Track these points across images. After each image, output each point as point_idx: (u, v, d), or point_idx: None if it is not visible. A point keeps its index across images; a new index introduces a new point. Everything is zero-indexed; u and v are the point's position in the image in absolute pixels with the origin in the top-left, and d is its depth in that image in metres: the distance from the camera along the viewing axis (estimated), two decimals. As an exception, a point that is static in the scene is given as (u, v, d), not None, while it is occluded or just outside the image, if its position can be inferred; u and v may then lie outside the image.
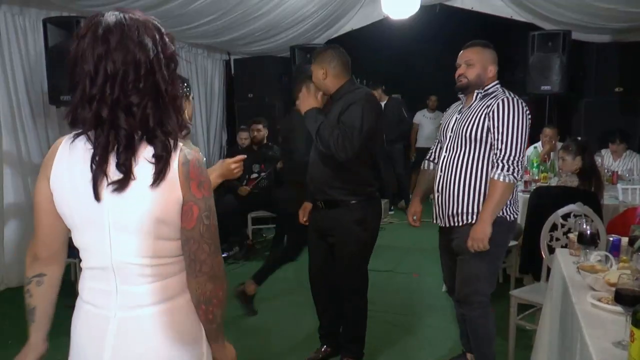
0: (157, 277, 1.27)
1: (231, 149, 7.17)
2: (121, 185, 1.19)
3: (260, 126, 5.84)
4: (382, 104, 7.42)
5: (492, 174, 2.62)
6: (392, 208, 7.58)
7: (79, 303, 1.36)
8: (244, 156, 2.23)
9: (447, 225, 2.82)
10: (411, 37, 7.43)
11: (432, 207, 2.93)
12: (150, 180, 1.19)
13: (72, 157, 1.25)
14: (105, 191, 1.21)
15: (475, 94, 2.76)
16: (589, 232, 2.39)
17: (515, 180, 2.63)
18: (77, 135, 1.25)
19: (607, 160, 5.44)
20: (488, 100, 2.69)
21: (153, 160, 1.20)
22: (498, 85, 2.76)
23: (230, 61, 7.89)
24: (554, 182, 4.61)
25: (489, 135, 2.64)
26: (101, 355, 1.28)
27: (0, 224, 4.58)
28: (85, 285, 1.34)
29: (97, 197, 1.21)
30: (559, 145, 5.07)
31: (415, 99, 8.19)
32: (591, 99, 6.41)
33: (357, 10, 7.40)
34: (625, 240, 2.53)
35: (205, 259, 1.26)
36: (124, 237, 1.24)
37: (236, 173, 2.19)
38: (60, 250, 1.40)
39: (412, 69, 8.14)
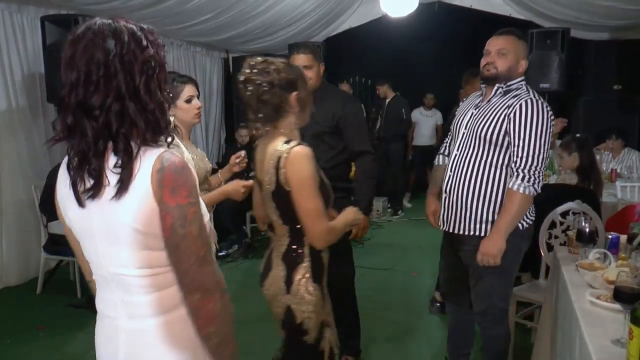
0: (154, 288, 1.26)
1: (230, 147, 7.17)
2: (94, 192, 1.18)
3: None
4: (387, 100, 7.42)
5: (511, 184, 2.36)
6: (396, 208, 7.55)
7: (97, 316, 1.38)
8: (251, 182, 2.32)
9: (455, 231, 2.56)
10: (410, 35, 7.43)
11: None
12: (114, 192, 1.16)
13: (63, 171, 1.27)
14: (88, 200, 1.20)
15: (495, 87, 2.48)
16: (587, 229, 2.39)
17: (536, 192, 2.36)
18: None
19: (606, 158, 5.43)
20: (510, 99, 2.42)
21: (115, 170, 1.17)
22: (523, 83, 2.50)
23: (229, 59, 7.88)
24: (553, 180, 4.61)
25: (507, 138, 2.38)
26: (117, 359, 1.31)
27: (-2, 222, 4.57)
28: (98, 295, 1.36)
29: (80, 203, 1.21)
30: (558, 143, 5.07)
31: (414, 96, 8.18)
32: (590, 97, 6.41)
33: (355, 8, 7.40)
34: (624, 238, 2.53)
35: (185, 269, 1.21)
36: (111, 248, 1.23)
37: (242, 195, 2.40)
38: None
39: (410, 67, 8.14)
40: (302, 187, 1.85)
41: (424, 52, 7.89)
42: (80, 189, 1.20)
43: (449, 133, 2.81)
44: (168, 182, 1.16)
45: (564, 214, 3.20)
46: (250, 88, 1.91)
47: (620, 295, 1.67)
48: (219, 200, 2.44)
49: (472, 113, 2.53)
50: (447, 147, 2.84)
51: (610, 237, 2.51)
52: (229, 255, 5.46)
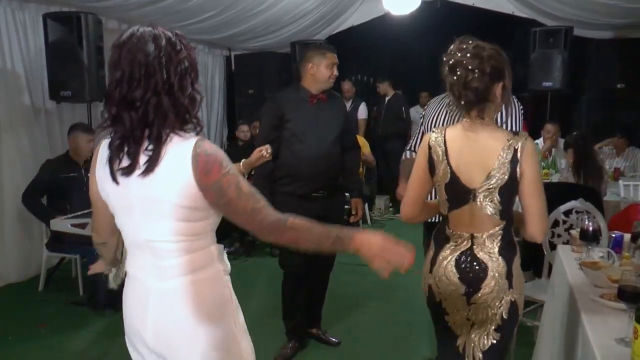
0: (184, 252, 1.44)
1: (231, 145, 7.16)
2: (129, 170, 1.39)
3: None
4: (386, 98, 7.41)
5: None
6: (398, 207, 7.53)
7: (127, 279, 1.57)
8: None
9: (433, 220, 2.66)
10: (412, 33, 7.41)
11: None
12: (142, 169, 1.37)
13: (104, 150, 1.47)
14: (123, 177, 1.40)
15: None
16: (591, 228, 2.38)
17: None
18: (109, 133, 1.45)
19: (609, 156, 5.43)
20: None
21: (147, 152, 1.37)
22: None
23: (231, 57, 7.88)
24: (555, 178, 4.61)
25: None
26: (145, 320, 1.47)
27: (1, 219, 4.56)
28: (130, 261, 1.54)
29: (115, 179, 1.41)
30: (561, 141, 5.06)
31: (415, 95, 8.18)
32: (593, 96, 6.40)
33: (357, 6, 7.39)
34: (627, 236, 2.52)
35: (245, 223, 1.45)
36: (148, 219, 1.42)
37: (260, 158, 2.46)
38: (113, 230, 1.60)
39: (412, 65, 8.12)
40: (538, 180, 1.81)
41: (427, 50, 7.86)
42: (116, 167, 1.40)
43: (417, 131, 2.92)
44: (203, 166, 1.36)
45: (567, 213, 3.19)
46: (458, 72, 1.81)
47: (624, 294, 1.66)
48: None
49: (447, 112, 2.65)
50: (414, 145, 2.92)
51: (613, 235, 2.51)
52: (231, 254, 5.47)
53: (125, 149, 1.39)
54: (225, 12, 5.95)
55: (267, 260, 5.40)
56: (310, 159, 3.09)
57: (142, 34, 1.39)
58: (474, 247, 1.88)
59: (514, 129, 2.47)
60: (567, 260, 2.49)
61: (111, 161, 1.41)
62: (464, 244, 1.90)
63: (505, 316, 1.86)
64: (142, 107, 1.36)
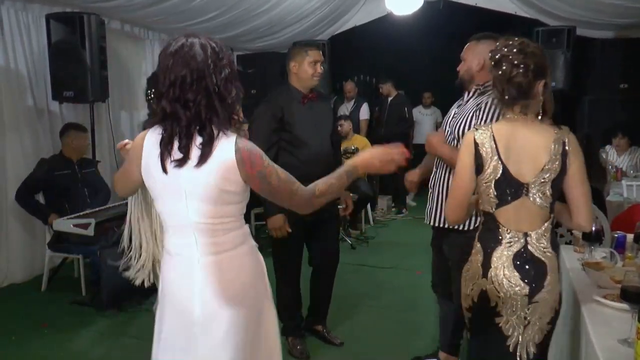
0: (225, 231, 1.68)
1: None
2: (180, 163, 1.60)
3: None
4: (389, 99, 7.40)
5: None
6: (401, 207, 7.52)
7: (166, 257, 1.76)
8: None
9: (438, 224, 2.75)
10: (415, 33, 7.41)
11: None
12: (196, 162, 1.58)
13: (152, 141, 1.66)
14: (177, 168, 1.60)
15: (473, 89, 2.70)
16: (593, 228, 2.37)
17: None
18: (155, 127, 1.66)
19: (611, 156, 5.41)
20: (481, 98, 2.63)
21: (200, 147, 1.58)
22: None
23: (233, 57, 7.87)
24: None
25: None
26: (192, 291, 1.67)
27: (4, 219, 4.58)
28: (171, 241, 1.74)
29: (165, 170, 1.62)
30: None
31: (418, 95, 8.17)
32: (595, 96, 6.37)
33: (360, 6, 7.38)
34: (630, 237, 2.51)
35: (284, 202, 1.75)
36: (197, 202, 1.63)
37: None
38: (130, 193, 1.90)
39: (415, 65, 8.12)
40: (584, 169, 1.88)
41: (430, 50, 7.87)
42: (166, 158, 1.61)
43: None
44: (247, 159, 1.61)
45: (570, 213, 3.18)
46: (503, 67, 1.85)
47: (627, 294, 1.66)
48: None
49: (455, 112, 2.77)
50: None
51: (616, 236, 2.50)
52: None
53: (177, 143, 1.60)
54: (228, 13, 5.95)
55: (269, 261, 5.39)
56: (311, 160, 3.08)
57: (192, 44, 1.60)
58: (528, 245, 1.88)
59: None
60: (569, 261, 2.49)
61: (162, 154, 1.61)
62: (518, 243, 1.89)
63: (557, 308, 1.91)
64: (194, 107, 1.58)
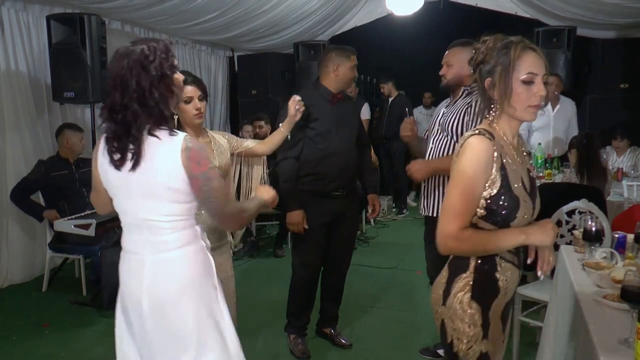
0: (175, 230, 1.74)
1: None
2: (119, 164, 1.68)
3: (262, 122, 5.83)
4: (390, 99, 7.40)
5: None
6: (401, 207, 7.52)
7: (122, 254, 1.83)
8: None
9: (432, 214, 2.90)
10: (415, 34, 7.40)
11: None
12: (134, 162, 1.66)
13: (102, 143, 1.75)
14: (114, 167, 1.69)
15: (462, 90, 2.89)
16: (594, 228, 2.37)
17: None
18: None
19: (611, 157, 5.40)
20: (471, 97, 2.81)
21: (131, 149, 1.66)
22: None
23: (234, 58, 7.88)
24: (558, 179, 4.60)
25: (468, 129, 2.67)
26: (141, 287, 1.75)
27: (5, 220, 4.59)
28: (126, 238, 1.82)
29: (116, 167, 1.69)
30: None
31: (419, 95, 8.17)
32: (596, 95, 6.36)
33: (361, 7, 7.39)
34: (630, 237, 2.51)
35: (218, 211, 1.77)
36: (146, 200, 1.71)
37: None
38: (109, 208, 1.91)
39: (415, 65, 8.10)
40: (455, 175, 1.63)
41: (430, 51, 7.84)
42: (111, 160, 1.70)
43: (426, 130, 3.29)
44: (194, 157, 1.67)
45: (570, 213, 3.19)
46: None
47: (627, 294, 1.66)
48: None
49: (443, 112, 2.98)
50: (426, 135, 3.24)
51: (617, 236, 2.50)
52: (234, 254, 5.46)
53: (115, 144, 1.68)
54: (228, 13, 5.95)
55: (270, 261, 5.41)
56: (335, 158, 3.16)
57: (123, 50, 1.68)
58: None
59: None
60: (570, 261, 2.49)
61: (108, 154, 1.70)
62: None
63: (439, 332, 1.76)
64: (122, 111, 1.65)
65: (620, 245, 2.44)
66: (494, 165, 1.59)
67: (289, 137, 2.86)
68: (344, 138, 3.22)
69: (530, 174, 1.73)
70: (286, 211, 3.20)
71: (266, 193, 2.04)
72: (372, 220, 6.77)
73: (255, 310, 4.03)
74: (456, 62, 2.87)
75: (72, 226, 3.97)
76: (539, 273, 1.71)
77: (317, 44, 7.01)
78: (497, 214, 1.60)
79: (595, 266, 2.23)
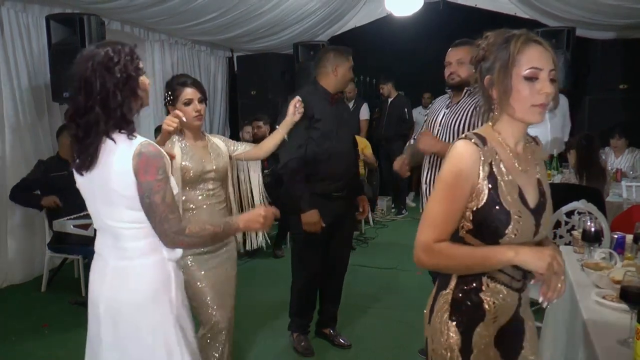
0: (136, 238, 1.71)
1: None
2: (77, 168, 1.69)
3: (261, 123, 5.83)
4: (389, 100, 7.40)
5: None
6: (400, 207, 7.51)
7: (95, 254, 1.82)
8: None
9: None
10: (414, 34, 7.41)
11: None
12: (89, 166, 1.65)
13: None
14: (75, 171, 1.70)
15: (465, 90, 2.82)
16: (593, 229, 2.38)
17: None
18: None
19: (610, 157, 5.41)
20: (476, 97, 2.64)
21: (90, 152, 1.64)
22: None
23: (233, 58, 7.89)
24: (557, 179, 4.60)
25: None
26: (101, 291, 1.75)
27: (4, 220, 4.58)
28: (97, 239, 1.81)
29: (79, 172, 1.69)
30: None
31: (419, 96, 8.17)
32: (595, 96, 6.37)
33: (360, 7, 7.39)
34: (629, 237, 2.52)
35: (153, 225, 1.67)
36: (106, 206, 1.70)
37: (169, 126, 2.37)
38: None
39: (415, 66, 8.11)
40: (437, 182, 1.51)
41: (429, 51, 7.85)
42: (74, 164, 1.71)
43: (419, 130, 3.18)
44: (143, 164, 1.62)
45: (569, 214, 3.19)
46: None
47: (626, 295, 1.66)
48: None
49: (445, 112, 2.89)
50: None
51: (616, 236, 2.50)
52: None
53: (77, 148, 1.67)
54: (228, 14, 5.96)
55: (269, 262, 5.41)
56: (337, 159, 3.17)
57: (87, 52, 1.66)
58: None
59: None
60: (569, 261, 2.49)
61: (72, 158, 1.71)
62: None
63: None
64: (86, 114, 1.63)
65: (619, 246, 2.45)
66: (480, 173, 1.41)
67: (286, 138, 2.86)
68: (344, 139, 3.24)
69: (542, 186, 1.53)
70: (292, 213, 3.18)
71: (253, 220, 1.88)
72: (371, 221, 6.77)
73: (256, 310, 4.03)
74: (469, 60, 2.79)
75: (72, 226, 3.97)
76: (540, 299, 1.49)
77: (317, 44, 7.01)
78: (484, 228, 1.43)
79: (594, 267, 2.24)
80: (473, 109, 2.71)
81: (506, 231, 1.42)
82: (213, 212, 2.53)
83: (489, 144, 1.45)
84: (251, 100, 7.32)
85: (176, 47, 6.73)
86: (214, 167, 2.55)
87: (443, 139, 2.82)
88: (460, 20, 6.88)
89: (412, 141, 3.17)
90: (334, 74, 3.18)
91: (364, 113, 7.50)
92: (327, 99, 3.19)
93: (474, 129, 2.60)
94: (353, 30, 7.56)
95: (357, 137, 6.68)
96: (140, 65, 1.72)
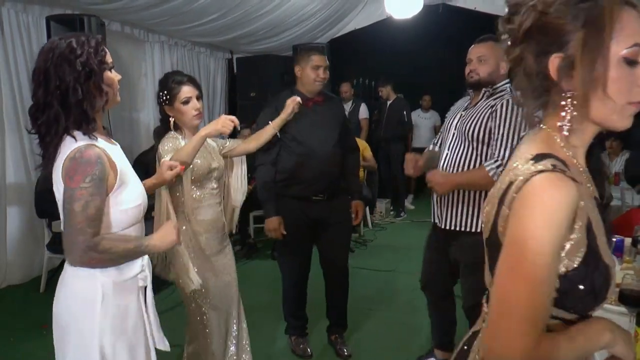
0: None
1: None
2: (44, 167, 1.61)
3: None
4: (388, 102, 7.42)
5: (487, 163, 2.47)
6: (399, 210, 7.52)
7: None
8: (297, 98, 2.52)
9: (445, 227, 2.71)
10: (414, 37, 7.43)
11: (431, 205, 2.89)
12: (42, 167, 1.61)
13: None
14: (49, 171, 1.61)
15: (483, 92, 2.64)
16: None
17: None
18: None
19: (605, 161, 5.42)
20: (494, 100, 2.58)
21: (49, 150, 1.57)
22: (508, 85, 2.60)
23: (233, 60, 7.89)
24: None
25: (492, 136, 2.52)
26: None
27: (2, 221, 4.58)
28: None
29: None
30: None
31: (418, 98, 8.19)
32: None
33: (360, 10, 7.40)
34: (628, 240, 2.53)
35: (66, 236, 1.54)
36: (61, 210, 1.58)
37: (226, 128, 2.35)
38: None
39: (414, 69, 8.13)
40: (508, 256, 0.96)
41: (429, 54, 7.88)
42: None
43: (440, 132, 2.99)
44: (69, 169, 1.51)
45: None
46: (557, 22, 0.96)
47: (625, 297, 1.67)
48: (202, 139, 2.29)
49: (461, 115, 2.70)
50: (439, 141, 2.98)
51: (614, 240, 2.51)
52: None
53: (41, 146, 1.59)
54: (228, 15, 5.96)
55: (267, 263, 5.41)
56: (310, 162, 3.08)
57: (47, 45, 1.56)
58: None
59: (498, 135, 2.48)
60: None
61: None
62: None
63: None
64: (45, 111, 1.54)
65: (618, 249, 2.46)
66: (578, 222, 0.93)
67: (278, 134, 2.88)
68: (321, 141, 3.11)
69: (602, 214, 1.03)
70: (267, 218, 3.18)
71: (168, 234, 1.75)
72: (370, 223, 6.78)
73: (254, 311, 4.02)
74: (492, 58, 2.56)
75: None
76: None
77: (320, 47, 7.02)
78: (577, 296, 0.96)
79: (593, 269, 2.24)
80: (489, 114, 2.53)
81: (607, 295, 1.00)
82: (215, 212, 2.53)
83: (570, 170, 0.96)
84: (250, 102, 7.32)
85: (176, 48, 6.73)
86: (217, 165, 2.55)
87: (458, 146, 2.65)
88: (460, 24, 6.89)
89: (431, 147, 3.02)
90: (299, 75, 3.14)
91: (363, 112, 7.51)
92: (302, 101, 3.07)
93: (489, 136, 2.50)
94: (353, 33, 7.57)
95: (357, 139, 6.73)
96: (108, 59, 1.63)
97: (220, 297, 2.55)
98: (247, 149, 2.78)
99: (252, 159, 3.00)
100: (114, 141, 1.75)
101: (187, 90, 2.40)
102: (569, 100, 0.96)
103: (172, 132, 2.43)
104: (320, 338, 3.55)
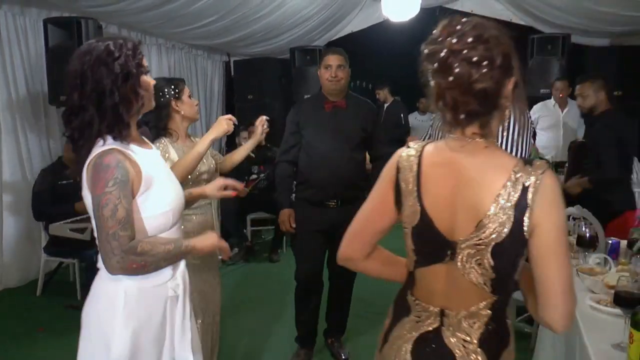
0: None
1: (230, 150, 7.16)
2: (76, 173, 1.58)
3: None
4: (385, 105, 7.43)
5: None
6: None
7: None
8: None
9: None
10: (411, 40, 7.40)
11: None
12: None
13: None
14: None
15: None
16: (588, 235, 2.39)
17: None
18: None
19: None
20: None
21: (82, 154, 1.55)
22: None
23: (230, 62, 7.90)
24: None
25: None
26: None
27: (-1, 223, 4.57)
28: None
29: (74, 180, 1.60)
30: (571, 103, 5.11)
31: (414, 101, 8.20)
32: (590, 103, 6.39)
33: (357, 12, 7.42)
34: (624, 243, 2.54)
35: (100, 237, 1.49)
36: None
37: (229, 126, 2.41)
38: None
39: (411, 72, 8.13)
40: (560, 238, 1.16)
41: (426, 57, 7.90)
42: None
43: (427, 134, 3.00)
44: (93, 177, 1.49)
45: (564, 219, 3.20)
46: (456, 69, 1.18)
47: (620, 299, 1.67)
48: (209, 143, 2.36)
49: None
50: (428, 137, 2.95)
51: (610, 242, 2.52)
52: (229, 259, 5.45)
53: (74, 150, 1.58)
54: (225, 18, 5.97)
55: (265, 266, 5.40)
56: (324, 167, 3.03)
57: (84, 47, 1.56)
58: (443, 327, 1.27)
59: (520, 151, 2.39)
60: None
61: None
62: (430, 321, 1.30)
63: None
64: (80, 114, 1.52)
65: (613, 251, 2.47)
66: None
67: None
68: (335, 147, 3.03)
69: None
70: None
71: (204, 242, 1.70)
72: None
73: (254, 312, 4.03)
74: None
75: (68, 230, 3.96)
76: None
77: (314, 49, 7.03)
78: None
79: (589, 272, 2.25)
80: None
81: None
82: (207, 218, 2.56)
83: None
84: (248, 105, 7.33)
85: (173, 51, 6.74)
86: (207, 169, 2.57)
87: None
88: (457, 27, 6.92)
89: None
90: (320, 78, 3.13)
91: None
92: (322, 105, 3.10)
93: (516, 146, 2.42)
94: (350, 36, 7.59)
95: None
96: (144, 62, 1.59)
97: (207, 302, 2.57)
98: (224, 169, 2.80)
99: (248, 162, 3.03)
100: (152, 145, 1.74)
101: (186, 88, 2.62)
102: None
103: (163, 139, 2.51)
104: (317, 340, 3.54)
